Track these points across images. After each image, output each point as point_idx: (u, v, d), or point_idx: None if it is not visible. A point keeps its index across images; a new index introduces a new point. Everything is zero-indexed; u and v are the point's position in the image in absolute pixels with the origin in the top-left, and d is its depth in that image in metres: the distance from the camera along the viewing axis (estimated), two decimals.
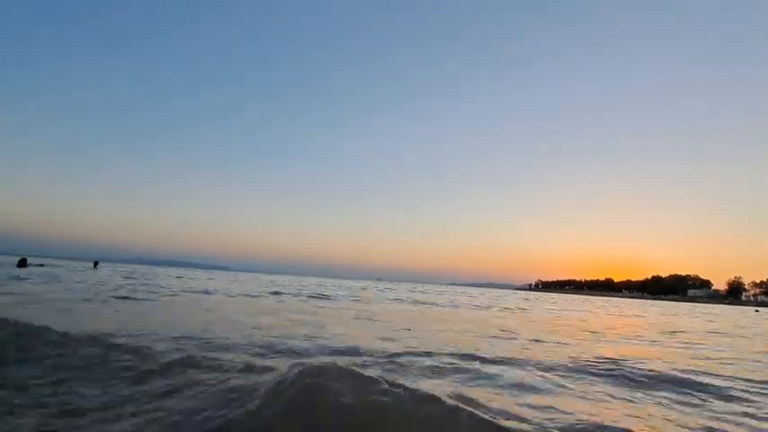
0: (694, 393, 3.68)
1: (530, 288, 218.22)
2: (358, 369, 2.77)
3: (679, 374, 4.36)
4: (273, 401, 2.40)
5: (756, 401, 3.55)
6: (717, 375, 4.52)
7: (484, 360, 4.67)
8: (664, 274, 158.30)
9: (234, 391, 2.73)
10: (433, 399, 2.36)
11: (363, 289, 30.62)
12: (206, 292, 14.60)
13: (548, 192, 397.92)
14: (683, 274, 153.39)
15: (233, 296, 13.43)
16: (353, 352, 4.69)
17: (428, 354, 4.83)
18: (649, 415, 2.94)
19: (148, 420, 2.32)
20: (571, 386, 3.69)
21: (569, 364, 4.66)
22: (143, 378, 3.12)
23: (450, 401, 2.35)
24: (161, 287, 15.04)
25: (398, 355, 4.62)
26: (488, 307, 17.28)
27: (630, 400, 3.37)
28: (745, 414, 3.14)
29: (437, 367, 4.14)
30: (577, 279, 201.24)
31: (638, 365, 4.69)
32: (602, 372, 4.37)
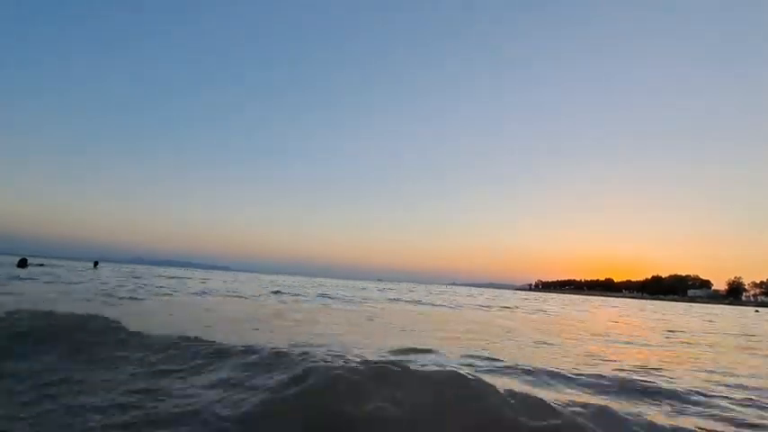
0: None
1: (530, 288, 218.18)
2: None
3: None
4: None
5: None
6: None
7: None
8: (664, 275, 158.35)
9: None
10: None
11: (363, 289, 30.62)
12: (236, 293, 14.58)
13: (548, 192, 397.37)
14: (683, 274, 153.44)
15: (260, 299, 13.28)
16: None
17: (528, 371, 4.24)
18: None
19: None
20: None
21: None
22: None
23: None
24: (157, 286, 15.05)
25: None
26: (513, 308, 16.99)
27: None
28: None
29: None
30: (577, 279, 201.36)
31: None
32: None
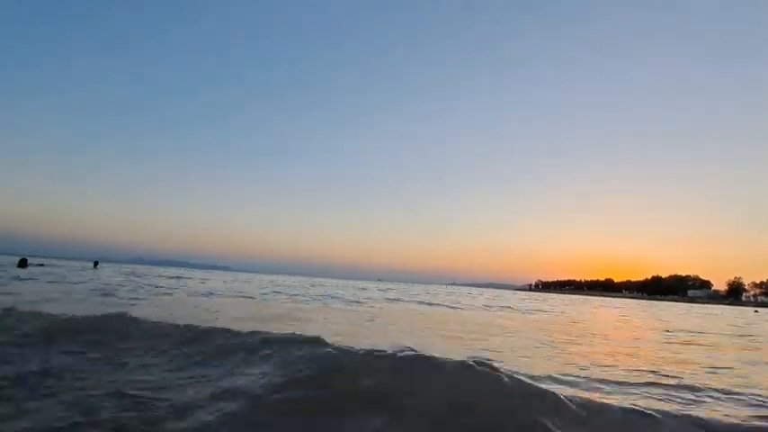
0: None
1: (530, 288, 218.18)
2: None
3: None
4: None
5: None
6: None
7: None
8: (664, 275, 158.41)
9: None
10: None
11: (363, 289, 30.63)
12: (240, 293, 14.57)
13: (548, 192, 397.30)
14: (683, 274, 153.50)
15: (283, 301, 13.31)
16: None
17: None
18: None
19: None
20: None
21: None
22: None
23: None
24: (158, 286, 15.07)
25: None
26: (532, 310, 16.95)
27: None
28: None
29: None
30: (577, 279, 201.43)
31: None
32: None
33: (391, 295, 22.43)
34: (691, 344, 8.15)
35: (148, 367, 3.68)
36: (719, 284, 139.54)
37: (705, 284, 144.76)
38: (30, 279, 14.40)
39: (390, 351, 3.43)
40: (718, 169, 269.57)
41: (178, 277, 26.78)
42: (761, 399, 3.58)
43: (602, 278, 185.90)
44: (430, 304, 16.65)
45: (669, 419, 2.69)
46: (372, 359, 3.37)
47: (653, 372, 4.64)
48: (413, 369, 3.15)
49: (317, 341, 3.99)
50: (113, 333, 4.73)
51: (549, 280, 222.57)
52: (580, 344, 7.12)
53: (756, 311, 46.81)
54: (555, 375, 4.10)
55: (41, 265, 26.52)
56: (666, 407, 3.16)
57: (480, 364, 3.18)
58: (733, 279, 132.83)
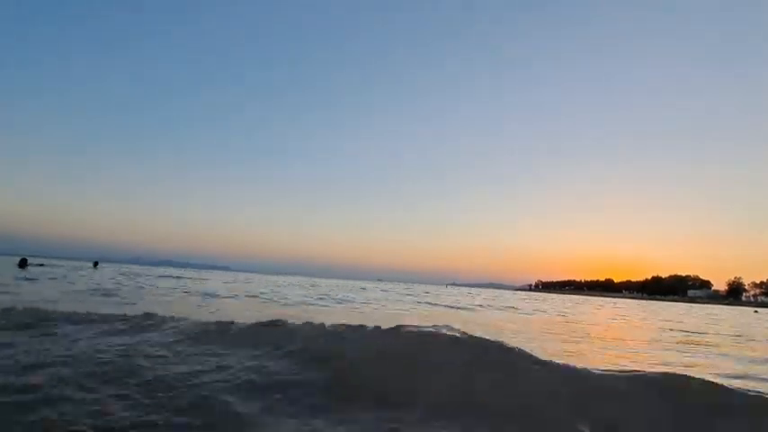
0: None
1: (530, 288, 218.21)
2: None
3: None
4: None
5: None
6: None
7: None
8: (664, 275, 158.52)
9: None
10: None
11: (363, 289, 30.63)
12: (236, 295, 14.55)
13: (548, 192, 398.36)
14: (683, 274, 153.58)
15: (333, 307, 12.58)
16: None
17: None
18: None
19: None
20: None
21: None
22: None
23: None
24: (162, 287, 15.07)
25: None
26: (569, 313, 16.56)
27: None
28: None
29: None
30: (577, 279, 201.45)
31: None
32: None
33: (394, 296, 22.39)
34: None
35: None
36: (719, 284, 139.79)
37: (705, 284, 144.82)
38: (30, 279, 14.40)
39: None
40: (718, 169, 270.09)
41: (180, 277, 26.76)
42: None
43: (602, 278, 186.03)
44: (437, 305, 16.60)
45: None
46: None
47: None
48: None
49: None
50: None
51: (549, 280, 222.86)
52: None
53: (756, 311, 46.80)
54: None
55: (41, 265, 26.54)
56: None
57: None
58: (733, 279, 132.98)
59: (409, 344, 3.71)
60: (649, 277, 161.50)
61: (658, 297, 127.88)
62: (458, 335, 3.83)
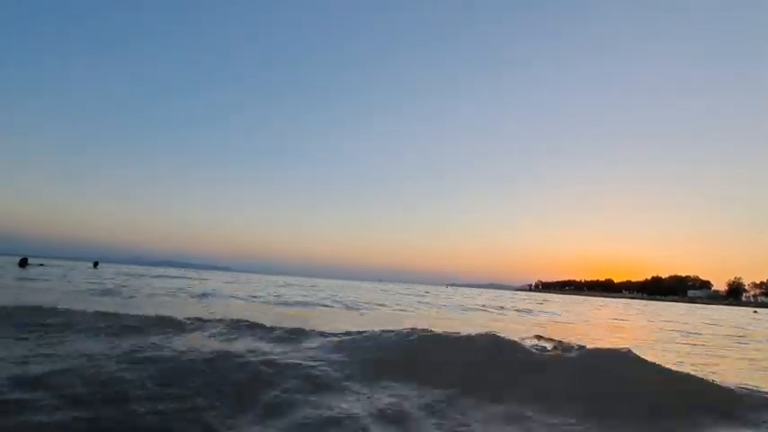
0: None
1: (530, 288, 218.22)
2: None
3: None
4: None
5: None
6: None
7: None
8: (664, 275, 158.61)
9: None
10: None
11: (384, 291, 30.66)
12: (235, 296, 14.55)
13: (548, 192, 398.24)
14: (683, 274, 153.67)
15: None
16: None
17: None
18: None
19: None
20: None
21: None
22: None
23: None
24: (204, 294, 15.06)
25: None
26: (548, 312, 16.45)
27: None
28: None
29: None
30: (577, 280, 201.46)
31: None
32: None
33: (396, 297, 22.38)
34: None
35: None
36: (719, 285, 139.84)
37: (705, 285, 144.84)
38: (31, 279, 14.39)
39: None
40: (718, 169, 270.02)
41: (183, 278, 26.78)
42: None
43: (602, 278, 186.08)
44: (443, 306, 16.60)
45: None
46: None
47: None
48: None
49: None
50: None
51: (549, 280, 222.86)
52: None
53: (755, 311, 46.79)
54: None
55: (41, 265, 26.55)
56: None
57: None
58: (733, 279, 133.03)
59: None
60: (649, 277, 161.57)
61: (658, 297, 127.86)
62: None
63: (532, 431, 2.63)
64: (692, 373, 3.71)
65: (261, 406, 2.74)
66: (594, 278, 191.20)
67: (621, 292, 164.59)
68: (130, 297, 10.27)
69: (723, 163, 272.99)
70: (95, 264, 36.71)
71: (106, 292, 11.01)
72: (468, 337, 4.33)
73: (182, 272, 48.32)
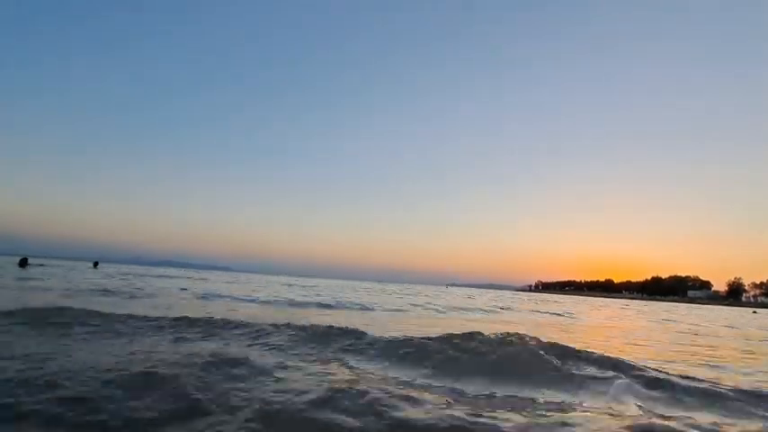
0: None
1: (530, 289, 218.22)
2: None
3: None
4: None
5: None
6: None
7: None
8: (664, 275, 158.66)
9: None
10: None
11: (360, 293, 30.67)
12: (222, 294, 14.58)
13: (548, 192, 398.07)
14: (683, 275, 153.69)
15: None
16: None
17: None
18: None
19: None
20: None
21: None
22: None
23: None
24: (223, 296, 15.11)
25: None
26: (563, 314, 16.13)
27: None
28: None
29: None
30: (577, 280, 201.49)
31: None
32: None
33: (404, 299, 22.41)
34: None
35: None
36: (719, 285, 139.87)
37: (705, 285, 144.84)
38: (31, 279, 14.44)
39: None
40: (718, 169, 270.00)
41: (184, 278, 26.83)
42: None
43: (603, 279, 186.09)
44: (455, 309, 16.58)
45: None
46: None
47: None
48: None
49: None
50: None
51: (549, 281, 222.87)
52: None
53: (755, 312, 46.84)
54: None
55: (41, 265, 26.62)
56: None
57: None
58: (733, 280, 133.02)
59: None
60: (649, 278, 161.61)
61: (658, 298, 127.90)
62: None
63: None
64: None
65: None
66: (594, 278, 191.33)
67: (621, 292, 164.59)
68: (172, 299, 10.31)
69: (723, 163, 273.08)
70: (95, 264, 36.78)
71: (133, 294, 11.07)
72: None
73: (182, 271, 48.37)
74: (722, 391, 3.51)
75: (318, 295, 17.02)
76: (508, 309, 17.40)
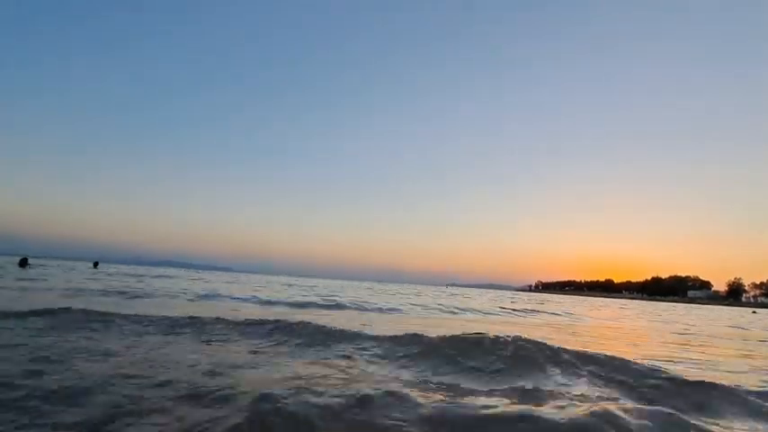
0: None
1: (529, 289, 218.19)
2: None
3: None
4: None
5: None
6: None
7: None
8: (664, 275, 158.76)
9: None
10: None
11: (353, 290, 30.70)
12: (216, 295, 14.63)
13: (548, 192, 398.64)
14: (683, 275, 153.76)
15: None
16: None
17: None
18: None
19: None
20: None
21: None
22: None
23: None
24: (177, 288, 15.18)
25: None
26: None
27: None
28: None
29: None
30: (577, 280, 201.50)
31: None
32: None
33: (414, 301, 22.45)
34: None
35: None
36: (719, 285, 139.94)
37: (705, 285, 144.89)
38: (32, 279, 14.49)
39: None
40: (718, 169, 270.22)
41: (187, 278, 26.88)
42: None
43: (602, 279, 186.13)
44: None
45: None
46: None
47: None
48: None
49: None
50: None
51: (549, 281, 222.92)
52: None
53: (755, 312, 46.88)
54: None
55: (42, 265, 26.69)
56: None
57: None
58: (733, 280, 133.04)
59: None
60: (649, 278, 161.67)
61: (658, 298, 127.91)
62: None
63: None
64: None
65: None
66: (594, 278, 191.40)
67: (621, 292, 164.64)
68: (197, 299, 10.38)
69: (723, 163, 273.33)
70: (95, 264, 36.83)
71: (148, 294, 11.12)
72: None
73: (182, 272, 48.38)
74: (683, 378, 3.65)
75: (318, 295, 17.07)
76: (508, 309, 17.44)
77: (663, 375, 3.76)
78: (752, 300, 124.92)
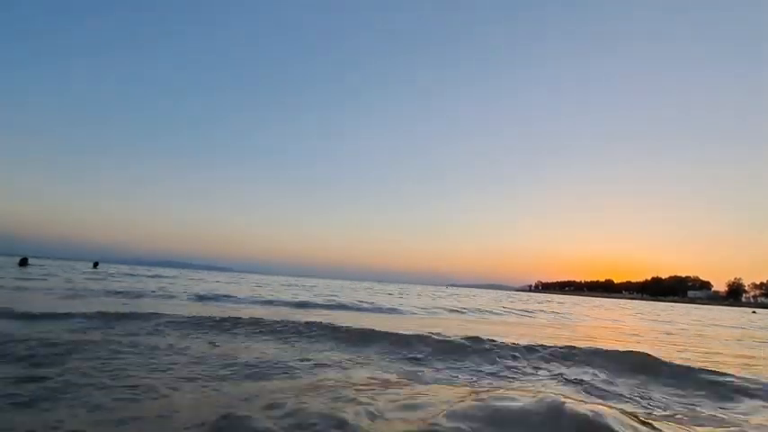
0: None
1: (529, 289, 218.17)
2: None
3: None
4: None
5: None
6: None
7: None
8: (664, 276, 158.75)
9: None
10: None
11: (355, 291, 30.72)
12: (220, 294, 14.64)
13: (548, 192, 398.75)
14: (683, 275, 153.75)
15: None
16: None
17: None
18: None
19: None
20: None
21: None
22: None
23: None
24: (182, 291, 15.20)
25: None
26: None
27: None
28: None
29: None
30: (577, 280, 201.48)
31: None
32: None
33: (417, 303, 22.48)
34: None
35: None
36: (720, 285, 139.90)
37: (705, 285, 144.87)
38: (32, 279, 14.52)
39: None
40: (718, 169, 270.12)
41: (186, 278, 26.90)
42: None
43: (602, 279, 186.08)
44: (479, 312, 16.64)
45: None
46: None
47: None
48: None
49: None
50: None
51: (549, 281, 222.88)
52: None
53: (754, 312, 46.90)
54: None
55: (42, 265, 26.73)
56: None
57: None
58: (733, 280, 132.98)
59: None
60: (649, 278, 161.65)
61: (658, 298, 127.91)
62: None
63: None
64: None
65: None
66: (594, 279, 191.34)
67: (621, 292, 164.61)
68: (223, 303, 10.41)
69: (723, 163, 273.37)
70: (95, 264, 36.90)
71: (167, 294, 11.14)
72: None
73: (183, 272, 48.41)
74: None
75: (318, 295, 17.10)
76: (507, 309, 17.45)
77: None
78: (752, 300, 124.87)
